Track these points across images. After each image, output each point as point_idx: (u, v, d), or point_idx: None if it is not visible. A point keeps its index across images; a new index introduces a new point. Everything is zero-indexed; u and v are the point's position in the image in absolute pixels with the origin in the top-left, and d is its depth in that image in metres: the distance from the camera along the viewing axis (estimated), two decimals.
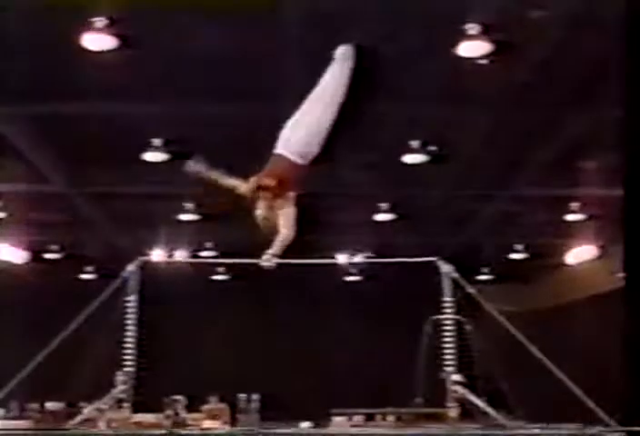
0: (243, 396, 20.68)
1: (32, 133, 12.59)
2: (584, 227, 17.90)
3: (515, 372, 14.10)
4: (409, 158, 13.40)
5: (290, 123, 7.97)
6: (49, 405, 22.01)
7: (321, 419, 20.57)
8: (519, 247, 20.89)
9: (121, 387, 8.81)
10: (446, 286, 9.12)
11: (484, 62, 9.62)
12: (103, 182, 15.07)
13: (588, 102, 10.96)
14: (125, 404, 9.11)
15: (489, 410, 8.83)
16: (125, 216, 17.61)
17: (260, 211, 7.80)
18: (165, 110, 11.58)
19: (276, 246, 7.75)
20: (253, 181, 7.76)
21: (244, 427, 18.21)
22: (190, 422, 15.90)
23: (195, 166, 8.14)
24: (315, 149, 7.81)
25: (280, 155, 7.84)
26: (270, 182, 7.71)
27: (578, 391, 8.30)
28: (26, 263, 21.18)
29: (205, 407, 17.21)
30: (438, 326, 10.28)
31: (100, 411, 13.26)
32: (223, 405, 17.56)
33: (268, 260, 7.76)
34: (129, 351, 8.82)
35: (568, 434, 6.58)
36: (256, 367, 22.53)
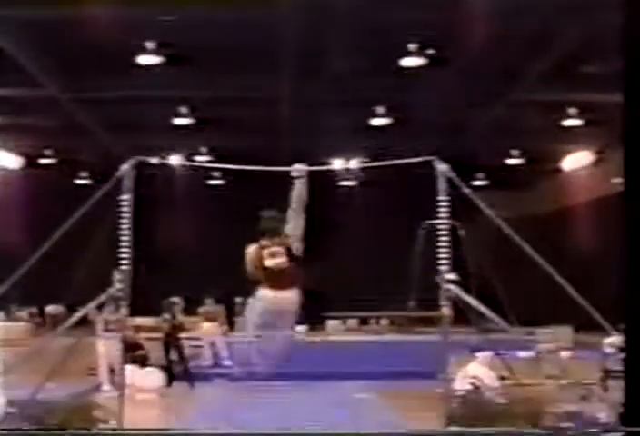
0: (239, 299, 20.76)
1: (25, 38, 12.40)
2: (581, 133, 17.83)
3: (511, 277, 14.21)
4: (407, 61, 13.26)
5: None
6: (49, 309, 22.30)
7: (316, 322, 20.85)
8: (516, 153, 20.86)
9: (118, 285, 8.79)
10: (442, 187, 9.03)
11: None
12: (97, 86, 14.90)
13: (588, 6, 10.79)
14: (123, 304, 9.13)
15: (483, 309, 8.86)
16: (119, 121, 17.49)
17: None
18: (159, 13, 11.38)
19: None
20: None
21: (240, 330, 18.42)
22: (187, 325, 16.04)
23: None
24: None
25: None
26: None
27: (575, 294, 8.34)
28: (22, 169, 21.14)
29: (202, 309, 17.16)
30: (433, 230, 10.23)
31: (97, 309, 13.30)
32: (219, 307, 17.52)
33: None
34: (125, 250, 8.76)
35: (568, 434, 6.67)
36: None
